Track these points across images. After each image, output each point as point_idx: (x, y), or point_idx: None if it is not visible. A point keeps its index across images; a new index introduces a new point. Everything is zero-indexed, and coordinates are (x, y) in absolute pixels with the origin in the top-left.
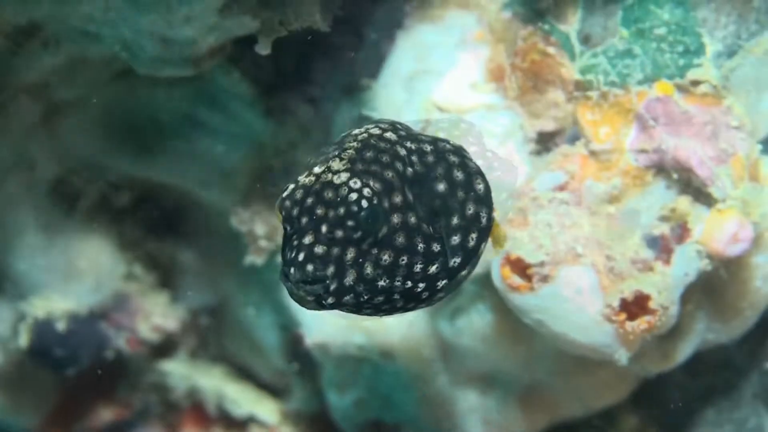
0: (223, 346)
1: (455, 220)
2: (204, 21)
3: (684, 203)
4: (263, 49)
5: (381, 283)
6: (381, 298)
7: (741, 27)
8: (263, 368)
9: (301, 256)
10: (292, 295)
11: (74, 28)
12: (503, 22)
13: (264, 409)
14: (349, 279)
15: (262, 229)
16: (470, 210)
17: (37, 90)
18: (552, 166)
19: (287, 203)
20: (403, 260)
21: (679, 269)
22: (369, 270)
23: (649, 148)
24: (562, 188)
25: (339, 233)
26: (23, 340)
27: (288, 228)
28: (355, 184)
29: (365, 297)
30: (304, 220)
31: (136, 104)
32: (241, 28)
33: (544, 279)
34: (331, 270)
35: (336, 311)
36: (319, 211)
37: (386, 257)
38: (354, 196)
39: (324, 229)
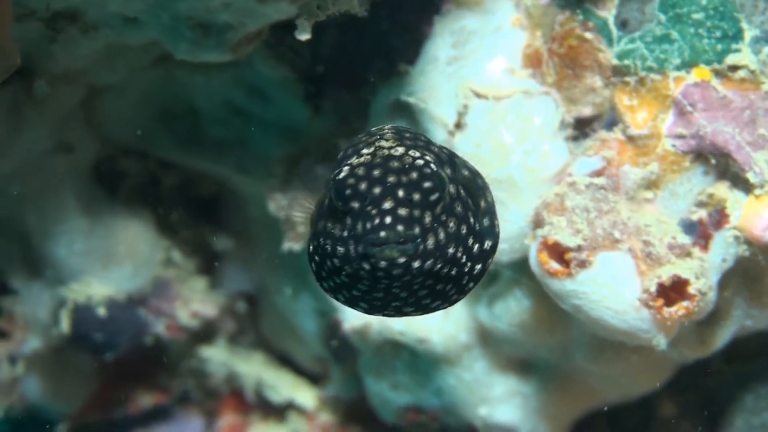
0: (261, 333)
1: (482, 204)
2: (242, 6)
3: (722, 189)
4: (303, 34)
5: (450, 250)
6: (445, 270)
7: None
8: (301, 354)
9: (387, 219)
10: (377, 264)
11: (113, 14)
12: (541, 8)
13: (302, 395)
14: (430, 242)
15: (300, 216)
16: (490, 197)
17: (76, 75)
18: (589, 151)
19: (350, 180)
20: (463, 230)
21: (717, 255)
22: (442, 236)
23: (687, 134)
24: (599, 174)
25: (416, 196)
26: (64, 325)
27: (355, 204)
28: (415, 153)
29: (438, 266)
30: (377, 190)
31: (175, 90)
32: (279, 13)
33: (582, 264)
34: (417, 230)
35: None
36: (391, 179)
37: (452, 224)
38: (420, 162)
39: (401, 193)
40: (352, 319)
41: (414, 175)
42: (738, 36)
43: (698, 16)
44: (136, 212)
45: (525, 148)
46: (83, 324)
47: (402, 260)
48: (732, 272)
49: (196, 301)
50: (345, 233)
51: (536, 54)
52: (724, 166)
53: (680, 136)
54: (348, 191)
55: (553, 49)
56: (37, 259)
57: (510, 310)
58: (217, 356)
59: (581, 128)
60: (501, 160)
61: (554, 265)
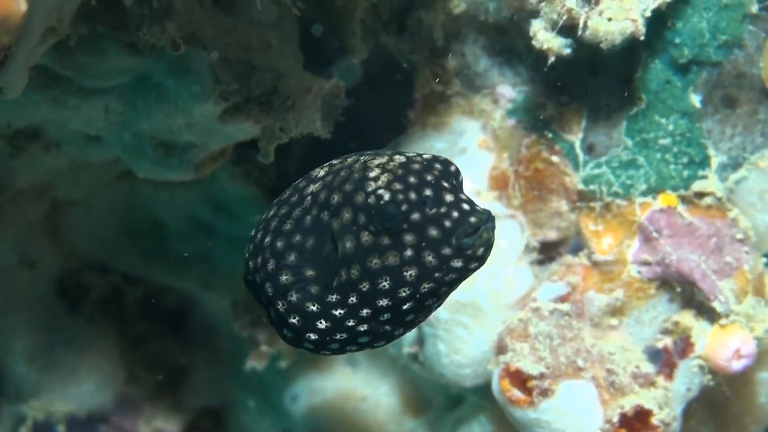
0: None
1: None
2: (205, 126)
3: (687, 317)
4: (266, 158)
5: None
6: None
7: (747, 139)
8: None
9: (466, 206)
10: (475, 253)
11: (75, 133)
12: (507, 130)
13: None
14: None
15: (263, 335)
16: None
17: (39, 190)
18: (554, 276)
19: (399, 197)
20: None
21: (682, 384)
22: None
23: (652, 261)
24: (564, 299)
25: (454, 182)
26: None
27: (415, 216)
28: (412, 154)
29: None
30: (428, 192)
31: (140, 205)
32: (243, 134)
33: (544, 393)
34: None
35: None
36: (429, 177)
37: None
38: (428, 155)
39: (447, 185)
40: None
41: (438, 165)
42: (705, 162)
43: (665, 141)
44: (100, 327)
45: (489, 273)
46: None
47: (493, 239)
48: (697, 402)
49: (159, 419)
50: (410, 252)
51: (503, 176)
52: (689, 294)
53: (646, 263)
54: (404, 207)
55: (519, 172)
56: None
57: None
58: None
59: (547, 252)
60: (465, 283)
61: (516, 393)
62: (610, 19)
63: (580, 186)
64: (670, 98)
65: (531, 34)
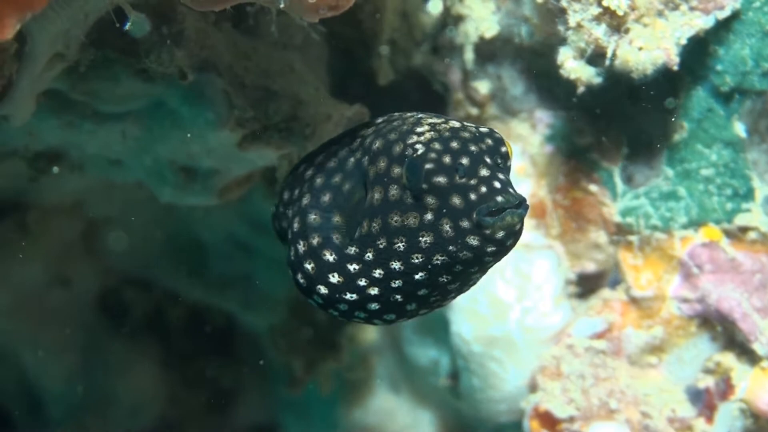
0: None
1: None
2: (224, 153)
3: (729, 357)
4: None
5: None
6: None
7: None
8: None
9: (498, 184)
10: (494, 234)
11: (96, 155)
12: (546, 156)
13: None
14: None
15: (299, 362)
16: None
17: (70, 209)
18: (591, 311)
19: (432, 155)
20: None
21: (722, 428)
22: None
23: (693, 298)
24: (600, 336)
25: (499, 161)
26: None
27: (441, 179)
28: (469, 124)
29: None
30: (465, 160)
31: (178, 222)
32: (264, 160)
33: None
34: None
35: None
36: (473, 148)
37: None
38: (485, 129)
39: (489, 160)
40: None
41: (489, 141)
42: (749, 195)
43: (708, 172)
44: (141, 345)
45: (524, 306)
46: None
47: (519, 226)
48: None
49: None
50: (430, 216)
51: (540, 204)
52: (731, 333)
53: (686, 300)
54: (432, 166)
55: (557, 201)
56: (34, 395)
57: None
58: None
59: (584, 284)
60: (498, 317)
61: None
62: (640, 48)
63: (617, 218)
64: (712, 127)
65: (559, 63)
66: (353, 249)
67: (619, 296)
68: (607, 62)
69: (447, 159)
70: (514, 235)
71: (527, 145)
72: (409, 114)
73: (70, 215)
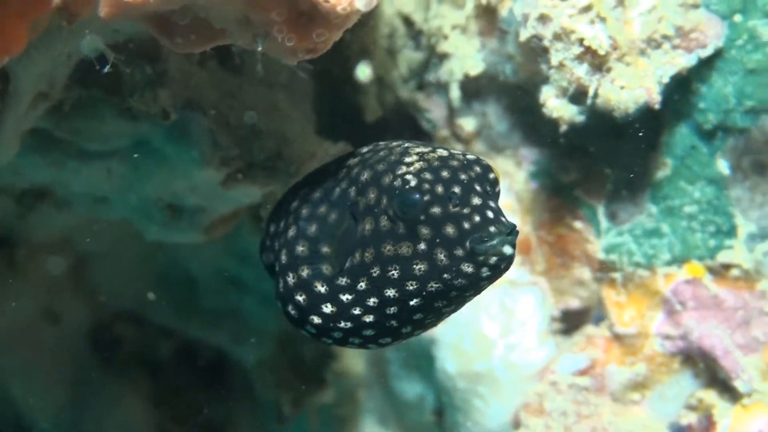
0: None
1: None
2: (208, 191)
3: (711, 394)
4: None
5: None
6: None
7: None
8: None
9: (490, 214)
10: (487, 261)
11: (82, 193)
12: (531, 193)
13: None
14: None
15: (287, 397)
16: None
17: (59, 245)
18: (575, 348)
19: (425, 186)
20: None
21: None
22: None
23: (675, 335)
24: (583, 373)
25: (488, 188)
26: None
27: (435, 210)
28: (455, 151)
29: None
30: (457, 189)
31: (167, 257)
32: (250, 197)
33: None
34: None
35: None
36: (464, 177)
37: None
38: (471, 156)
39: (479, 188)
40: None
41: (477, 168)
42: (732, 232)
43: (691, 209)
44: (132, 380)
45: (508, 342)
46: None
47: (510, 252)
48: None
49: None
50: (423, 246)
51: (526, 241)
52: (713, 370)
53: (669, 337)
54: (426, 197)
55: (542, 237)
56: (24, 429)
57: None
58: None
59: (568, 321)
60: (482, 353)
61: None
62: (623, 87)
63: (601, 255)
64: (696, 164)
65: (541, 101)
66: (344, 280)
67: (602, 333)
68: (589, 101)
69: (439, 189)
70: (507, 260)
71: (513, 181)
72: (395, 143)
73: (60, 251)
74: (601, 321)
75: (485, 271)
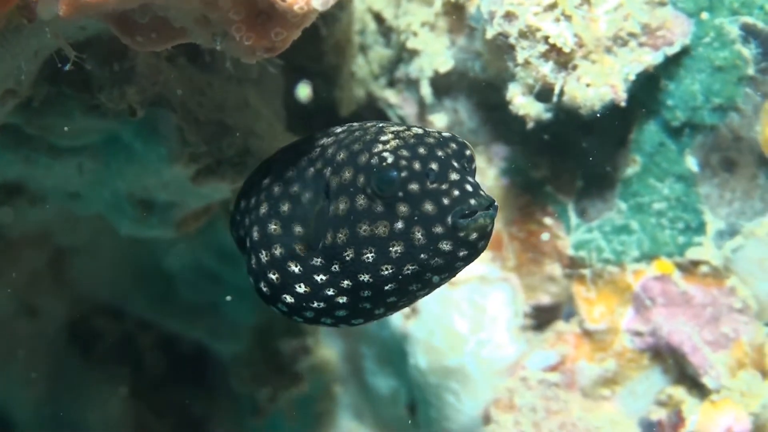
0: None
1: None
2: (179, 187)
3: (680, 390)
4: None
5: None
6: None
7: (745, 205)
8: None
9: (469, 188)
10: (468, 236)
11: (55, 188)
12: (502, 189)
13: None
14: None
15: (263, 391)
16: None
17: (36, 239)
18: (545, 344)
19: (402, 162)
20: None
21: None
22: None
23: (645, 331)
24: (553, 369)
25: (465, 164)
26: None
27: (413, 186)
28: (430, 129)
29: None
30: (434, 165)
31: (145, 251)
32: (220, 193)
33: None
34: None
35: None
36: (440, 153)
37: None
38: (447, 134)
39: (456, 164)
40: None
41: (453, 145)
42: (701, 229)
43: (660, 206)
44: (111, 373)
45: (479, 338)
46: None
47: (491, 227)
48: None
49: None
50: (401, 224)
51: (497, 237)
52: (681, 366)
53: (638, 333)
54: (404, 173)
55: (513, 233)
56: (3, 423)
57: None
58: None
59: (539, 317)
60: (453, 349)
61: None
62: (588, 85)
63: (570, 251)
64: (665, 161)
65: (508, 98)
66: (318, 260)
67: (572, 329)
68: (555, 98)
69: (417, 165)
70: (486, 237)
71: (484, 178)
72: (369, 123)
73: (36, 246)
74: (572, 317)
75: (462, 251)
